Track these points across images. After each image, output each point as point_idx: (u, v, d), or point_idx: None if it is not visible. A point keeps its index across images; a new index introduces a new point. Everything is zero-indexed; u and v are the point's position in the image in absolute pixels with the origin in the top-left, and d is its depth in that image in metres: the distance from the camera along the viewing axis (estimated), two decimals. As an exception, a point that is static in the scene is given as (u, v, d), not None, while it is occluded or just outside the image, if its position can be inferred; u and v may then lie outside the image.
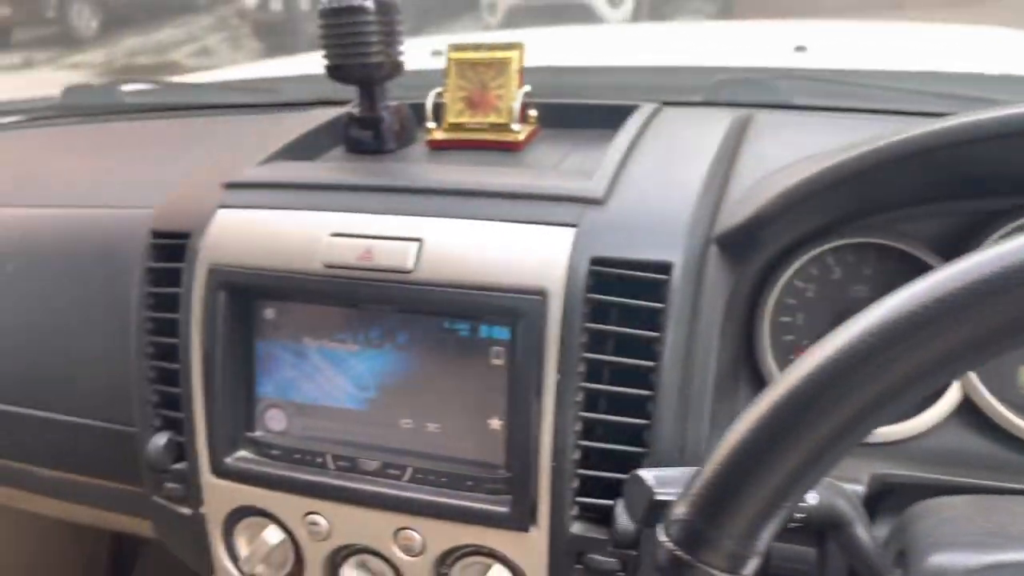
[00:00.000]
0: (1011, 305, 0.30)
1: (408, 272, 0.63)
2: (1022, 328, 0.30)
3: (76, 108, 1.11)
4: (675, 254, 0.60)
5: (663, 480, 0.47)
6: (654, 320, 0.59)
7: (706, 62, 1.05)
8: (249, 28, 8.06)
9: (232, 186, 0.72)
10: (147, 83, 1.14)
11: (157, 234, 0.72)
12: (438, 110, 0.82)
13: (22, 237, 0.81)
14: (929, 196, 0.61)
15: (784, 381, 0.34)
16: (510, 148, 0.79)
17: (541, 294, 0.60)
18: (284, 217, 0.68)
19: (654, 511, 0.46)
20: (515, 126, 0.79)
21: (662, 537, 0.37)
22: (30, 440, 0.80)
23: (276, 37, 7.82)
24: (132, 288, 0.73)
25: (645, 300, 0.59)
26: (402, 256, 0.63)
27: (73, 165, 0.93)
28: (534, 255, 0.61)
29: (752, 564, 0.37)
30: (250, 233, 0.68)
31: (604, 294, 0.60)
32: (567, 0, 6.85)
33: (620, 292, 0.60)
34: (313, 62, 0.84)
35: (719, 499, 0.35)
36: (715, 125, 0.75)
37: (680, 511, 0.37)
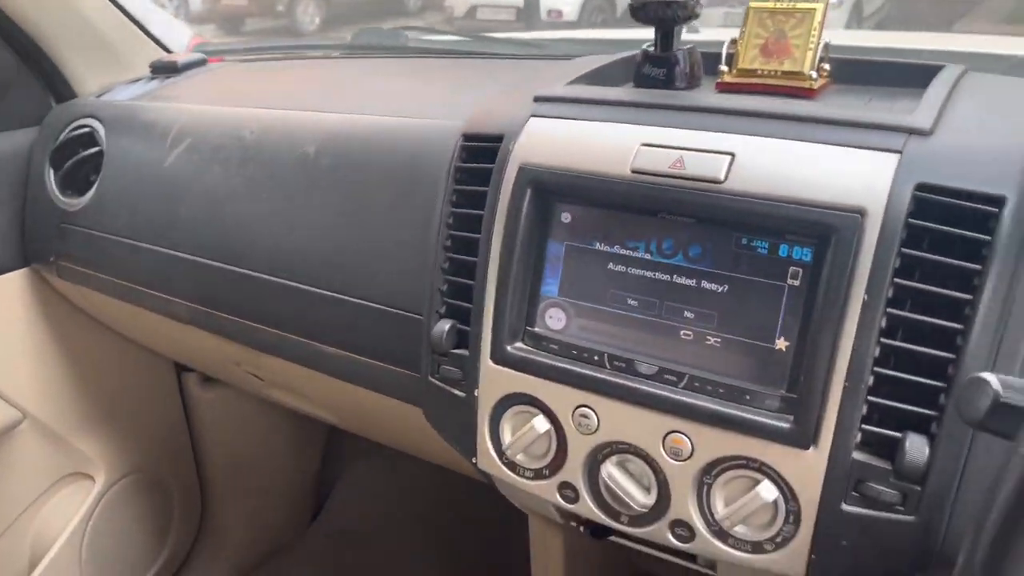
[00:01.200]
0: None
1: (719, 183, 0.65)
2: None
3: (365, 48, 1.23)
4: (1009, 189, 0.58)
5: (1009, 385, 0.46)
6: (977, 253, 0.58)
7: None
8: (453, 33, 8.47)
9: (543, 99, 0.77)
10: (424, 32, 1.24)
11: (469, 137, 0.79)
12: (730, 58, 0.84)
13: (338, 137, 0.91)
14: None
15: None
16: (803, 95, 0.80)
17: (860, 213, 0.60)
18: (595, 127, 0.73)
19: (997, 414, 0.45)
20: (812, 74, 0.80)
21: None
22: (324, 320, 0.89)
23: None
24: (438, 186, 0.80)
25: (972, 231, 0.58)
26: (715, 167, 0.65)
27: (376, 86, 1.03)
28: (854, 175, 0.61)
29: None
30: (561, 139, 0.73)
31: (925, 221, 0.59)
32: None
33: (941, 221, 0.59)
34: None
35: None
36: (1032, 89, 0.73)
37: None
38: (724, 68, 0.83)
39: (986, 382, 0.46)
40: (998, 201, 0.58)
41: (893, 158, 0.61)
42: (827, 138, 0.64)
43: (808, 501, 0.63)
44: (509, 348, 0.74)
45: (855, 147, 0.63)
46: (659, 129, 0.70)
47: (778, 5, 0.83)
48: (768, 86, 0.82)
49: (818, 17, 0.81)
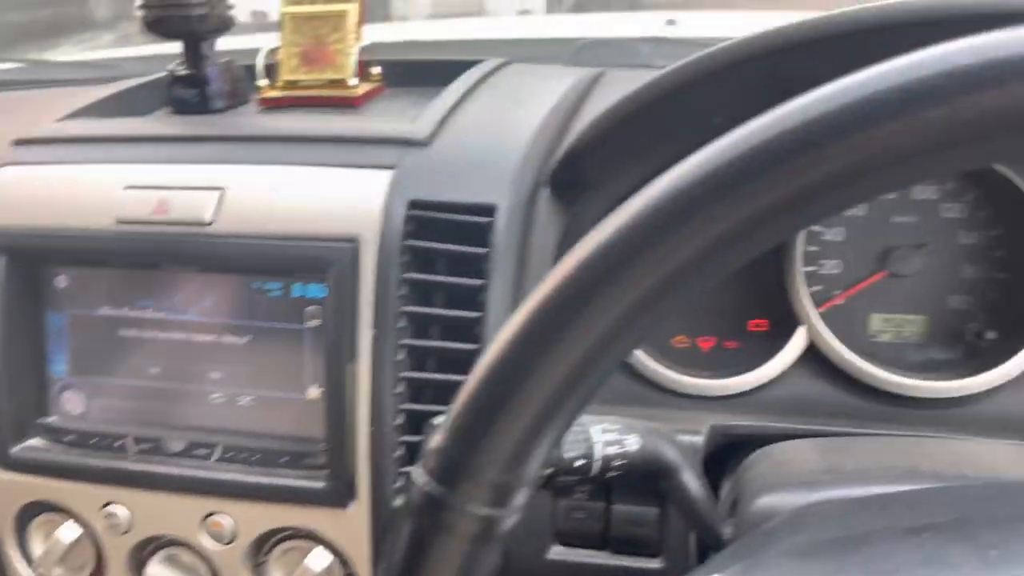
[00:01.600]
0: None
1: (207, 224, 0.56)
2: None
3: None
4: (500, 196, 0.55)
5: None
6: (479, 267, 0.54)
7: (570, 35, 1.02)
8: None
9: (23, 142, 0.64)
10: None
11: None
12: (272, 69, 0.76)
13: None
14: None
15: (550, 280, 0.29)
16: (347, 104, 0.74)
17: (352, 241, 0.54)
18: (76, 172, 0.61)
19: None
20: (352, 81, 0.74)
21: (417, 476, 0.32)
22: None
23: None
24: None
25: (468, 246, 0.54)
26: (200, 207, 0.57)
27: None
28: (346, 200, 0.55)
29: (518, 498, 0.32)
30: (37, 191, 0.61)
31: (425, 241, 0.55)
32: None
33: (443, 239, 0.55)
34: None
35: (479, 415, 0.30)
36: (563, 77, 0.71)
37: (436, 441, 0.31)
38: (263, 82, 0.75)
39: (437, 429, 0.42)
40: (489, 210, 0.55)
41: (386, 175, 0.56)
42: (323, 159, 0.58)
43: (361, 562, 0.56)
44: (15, 450, 0.61)
45: (351, 167, 0.57)
46: (144, 167, 0.60)
47: (311, 9, 0.76)
48: (313, 98, 0.74)
49: (352, 19, 0.75)
